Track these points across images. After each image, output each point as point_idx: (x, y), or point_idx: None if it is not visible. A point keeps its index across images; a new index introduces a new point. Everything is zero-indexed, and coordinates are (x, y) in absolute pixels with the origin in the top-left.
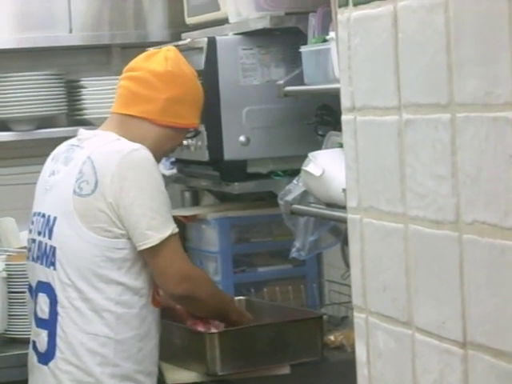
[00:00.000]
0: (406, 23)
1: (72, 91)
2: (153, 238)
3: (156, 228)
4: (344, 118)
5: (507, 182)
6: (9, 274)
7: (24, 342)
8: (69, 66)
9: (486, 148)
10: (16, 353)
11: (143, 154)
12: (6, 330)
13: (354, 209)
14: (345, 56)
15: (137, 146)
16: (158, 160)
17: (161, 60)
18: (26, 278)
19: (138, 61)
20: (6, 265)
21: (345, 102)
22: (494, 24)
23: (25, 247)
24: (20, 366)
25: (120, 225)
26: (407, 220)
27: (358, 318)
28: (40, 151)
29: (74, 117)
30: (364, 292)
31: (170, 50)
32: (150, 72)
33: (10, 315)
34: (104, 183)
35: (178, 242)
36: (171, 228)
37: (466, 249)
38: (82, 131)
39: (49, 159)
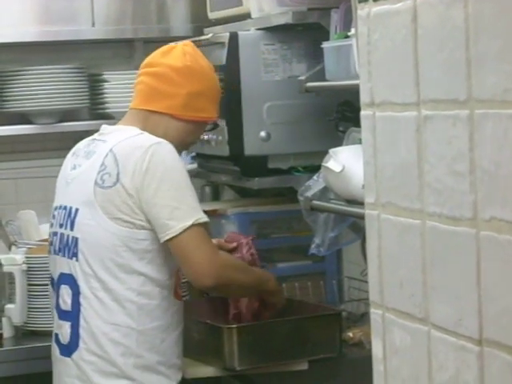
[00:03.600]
0: (426, 19)
1: (94, 85)
2: (174, 228)
3: (178, 218)
4: (363, 113)
5: None
6: (29, 267)
7: (44, 335)
8: (91, 59)
9: (504, 145)
10: (36, 345)
11: (165, 147)
12: (25, 323)
13: (372, 205)
14: (364, 51)
15: (159, 139)
16: (178, 153)
17: (179, 55)
18: (46, 270)
19: (156, 56)
20: (27, 257)
21: (364, 98)
22: None
23: (45, 240)
24: (40, 358)
25: (142, 217)
26: (425, 216)
27: (375, 314)
28: (61, 144)
29: (96, 110)
30: (381, 288)
31: (187, 45)
32: (169, 67)
33: (29, 308)
34: (126, 176)
35: (204, 231)
36: (195, 217)
37: (483, 246)
38: (105, 126)
39: (69, 154)
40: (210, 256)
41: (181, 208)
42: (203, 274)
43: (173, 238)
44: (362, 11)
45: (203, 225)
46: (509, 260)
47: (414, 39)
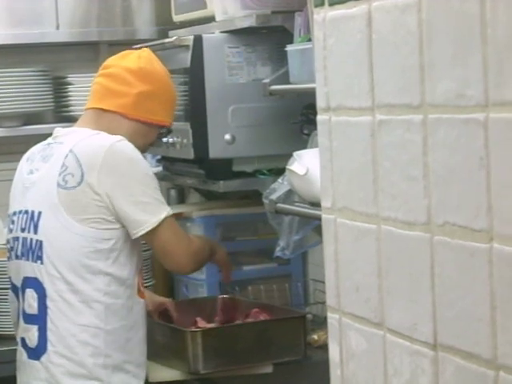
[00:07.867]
0: (380, 24)
1: (59, 88)
2: (149, 222)
3: (151, 212)
4: (319, 118)
5: (478, 184)
6: None
7: (9, 339)
8: (56, 62)
9: (457, 149)
10: (2, 349)
11: (125, 144)
12: None
13: (329, 209)
14: (320, 56)
15: (118, 137)
16: None
17: (134, 58)
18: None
19: (113, 59)
20: None
21: (320, 102)
22: (465, 26)
23: None
24: (6, 362)
25: (109, 215)
26: (380, 221)
27: (332, 318)
28: (26, 148)
29: (61, 113)
30: (337, 292)
31: (144, 50)
32: (123, 68)
33: None
34: (91, 175)
35: (175, 220)
36: (166, 210)
37: (436, 250)
38: (58, 129)
39: (23, 160)
40: (188, 247)
41: (152, 202)
42: (184, 265)
43: (149, 232)
44: (317, 16)
45: (172, 216)
46: (462, 265)
47: (368, 44)
